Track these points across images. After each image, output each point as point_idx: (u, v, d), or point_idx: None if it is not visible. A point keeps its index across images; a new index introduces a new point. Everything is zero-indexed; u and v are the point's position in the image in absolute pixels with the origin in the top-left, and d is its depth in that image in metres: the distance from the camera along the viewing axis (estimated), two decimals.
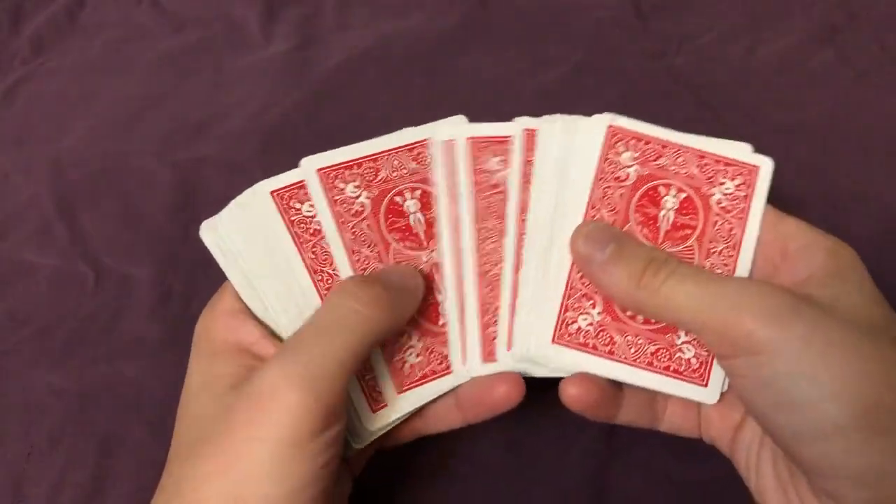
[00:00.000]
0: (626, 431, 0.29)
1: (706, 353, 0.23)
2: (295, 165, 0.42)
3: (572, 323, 0.22)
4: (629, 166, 0.24)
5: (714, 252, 0.23)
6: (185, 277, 0.35)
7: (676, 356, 0.23)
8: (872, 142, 0.37)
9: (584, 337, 0.22)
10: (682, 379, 0.23)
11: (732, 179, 0.24)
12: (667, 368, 0.23)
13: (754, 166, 0.24)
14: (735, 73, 0.42)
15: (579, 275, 0.23)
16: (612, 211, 0.23)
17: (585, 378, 0.23)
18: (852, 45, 0.42)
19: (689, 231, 0.23)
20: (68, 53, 0.48)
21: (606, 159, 0.24)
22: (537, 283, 0.23)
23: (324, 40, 0.47)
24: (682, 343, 0.23)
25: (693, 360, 0.23)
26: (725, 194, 0.24)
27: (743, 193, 0.24)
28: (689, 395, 0.23)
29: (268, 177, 0.39)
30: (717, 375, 0.23)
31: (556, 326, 0.22)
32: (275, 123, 0.41)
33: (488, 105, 0.42)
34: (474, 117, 0.41)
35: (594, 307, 0.23)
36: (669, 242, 0.23)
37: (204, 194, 0.38)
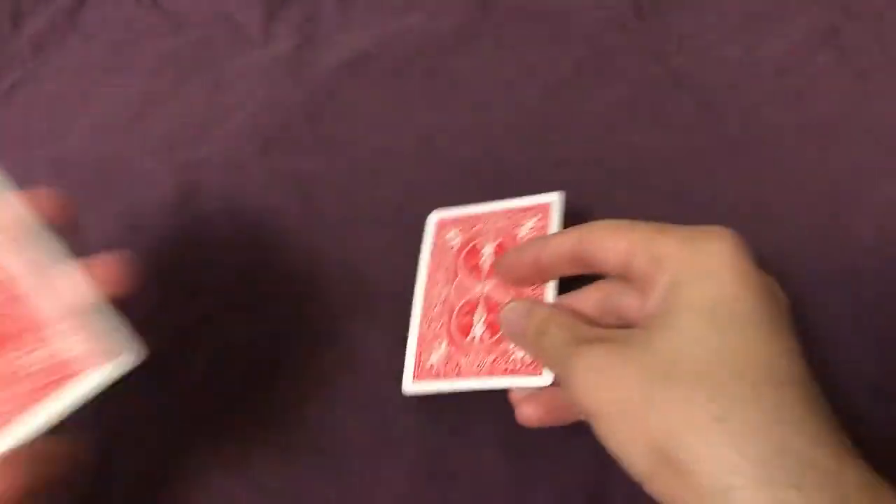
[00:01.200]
0: None
1: None
2: (295, 165, 0.42)
3: (426, 362, 0.29)
4: (454, 239, 0.32)
5: None
6: (185, 277, 0.35)
7: (511, 358, 0.28)
8: (873, 142, 0.37)
9: (436, 369, 0.28)
10: (519, 374, 0.27)
11: (532, 218, 0.31)
12: (506, 371, 0.27)
13: (546, 203, 0.31)
14: (735, 73, 0.42)
15: (427, 324, 0.30)
16: (445, 270, 0.31)
17: (533, 397, 0.26)
18: (852, 45, 0.42)
19: None
20: (68, 53, 0.48)
21: (437, 241, 0.32)
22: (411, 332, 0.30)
23: (324, 40, 0.47)
24: (515, 347, 0.28)
25: (526, 358, 0.27)
26: (529, 229, 0.31)
27: (542, 224, 0.31)
28: (529, 384, 0.27)
29: (268, 176, 0.39)
30: None
31: (414, 368, 0.29)
32: (275, 123, 0.41)
33: (488, 105, 0.42)
34: (474, 117, 0.41)
35: (441, 344, 0.29)
36: (492, 279, 0.30)
37: (204, 194, 0.38)
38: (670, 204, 0.36)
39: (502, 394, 0.28)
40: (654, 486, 0.20)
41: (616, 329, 0.24)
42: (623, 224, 0.25)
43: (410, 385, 0.29)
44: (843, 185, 0.36)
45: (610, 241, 0.25)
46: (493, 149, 0.39)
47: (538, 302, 0.28)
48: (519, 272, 0.28)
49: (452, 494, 0.27)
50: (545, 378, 0.27)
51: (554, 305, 0.27)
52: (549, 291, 0.29)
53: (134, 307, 0.34)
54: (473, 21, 0.47)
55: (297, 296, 0.33)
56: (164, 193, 0.38)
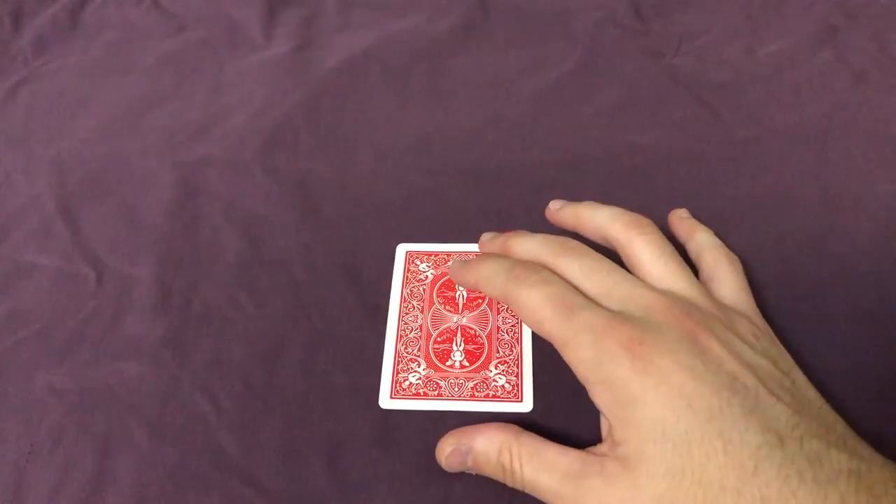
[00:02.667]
0: None
1: (516, 378, 0.30)
2: (295, 165, 0.42)
3: (404, 381, 0.30)
4: (426, 271, 0.34)
5: (502, 309, 0.32)
6: (185, 277, 0.35)
7: (492, 385, 0.29)
8: (872, 142, 0.37)
9: (416, 388, 0.30)
10: (500, 401, 0.29)
11: None
12: (487, 396, 0.29)
13: None
14: (735, 73, 0.42)
15: (403, 345, 0.31)
16: (419, 299, 0.33)
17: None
18: (851, 46, 0.42)
19: (479, 300, 0.32)
20: (70, 54, 0.48)
21: (409, 270, 0.34)
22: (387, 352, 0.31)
23: (324, 41, 0.47)
24: (495, 374, 0.30)
25: (507, 385, 0.29)
26: None
27: None
28: (509, 409, 0.29)
29: (268, 176, 0.39)
30: (528, 392, 0.29)
31: (391, 386, 0.30)
32: (275, 123, 0.41)
33: (488, 105, 0.42)
34: (474, 117, 0.41)
35: (419, 366, 0.30)
36: (468, 310, 0.32)
37: (204, 194, 0.38)
38: (670, 204, 0.36)
39: None
40: None
41: (586, 457, 0.24)
42: (541, 303, 0.25)
43: (388, 402, 0.30)
44: (842, 184, 0.36)
45: (535, 326, 0.26)
46: (493, 149, 0.39)
47: (493, 435, 0.26)
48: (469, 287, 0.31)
49: (452, 494, 0.27)
50: (525, 405, 0.29)
51: (506, 430, 0.26)
52: (527, 350, 0.31)
53: (133, 306, 0.34)
54: (473, 21, 0.47)
55: (296, 295, 0.33)
56: (164, 193, 0.38)
